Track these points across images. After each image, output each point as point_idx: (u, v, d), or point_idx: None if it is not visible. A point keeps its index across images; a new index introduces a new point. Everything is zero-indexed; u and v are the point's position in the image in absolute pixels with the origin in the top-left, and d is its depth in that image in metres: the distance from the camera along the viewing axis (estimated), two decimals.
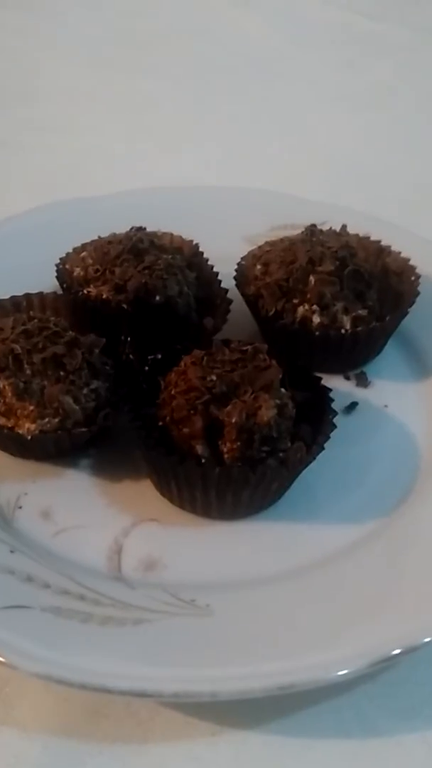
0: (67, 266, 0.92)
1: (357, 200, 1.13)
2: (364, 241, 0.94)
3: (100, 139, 1.41)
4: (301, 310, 0.87)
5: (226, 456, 0.72)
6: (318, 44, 1.74)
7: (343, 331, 0.87)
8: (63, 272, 0.91)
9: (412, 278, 0.92)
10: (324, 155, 1.39)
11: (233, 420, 0.71)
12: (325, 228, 0.94)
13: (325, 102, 1.56)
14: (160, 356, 0.80)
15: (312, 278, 0.86)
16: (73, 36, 1.73)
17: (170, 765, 0.62)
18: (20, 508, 0.76)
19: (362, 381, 0.90)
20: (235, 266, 0.93)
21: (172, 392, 0.75)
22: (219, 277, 0.93)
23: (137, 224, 0.94)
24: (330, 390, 0.79)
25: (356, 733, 0.64)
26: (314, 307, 0.86)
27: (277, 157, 1.38)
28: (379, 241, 0.95)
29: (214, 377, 0.73)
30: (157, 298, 0.86)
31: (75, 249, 0.94)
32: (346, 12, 1.85)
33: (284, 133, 1.46)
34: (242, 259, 0.94)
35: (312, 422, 0.76)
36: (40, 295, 0.90)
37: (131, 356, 0.84)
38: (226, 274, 0.93)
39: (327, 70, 1.66)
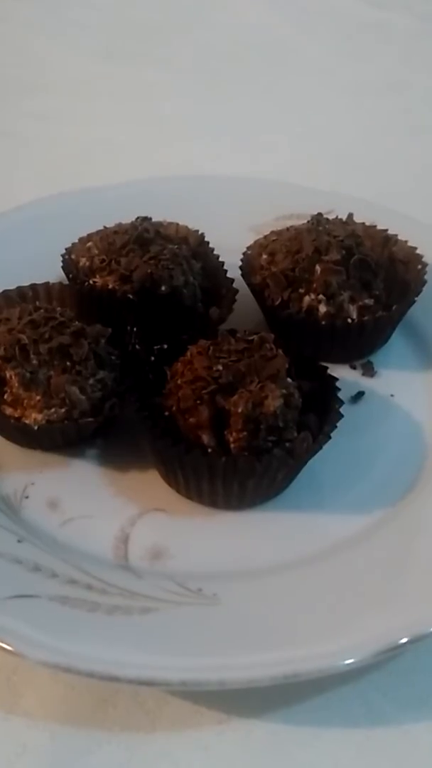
0: (72, 256, 0.92)
1: (363, 189, 1.13)
2: (370, 230, 0.94)
3: (105, 129, 1.41)
4: (307, 299, 0.87)
5: (232, 446, 0.72)
6: (323, 33, 1.74)
7: (349, 320, 0.87)
8: (69, 262, 0.91)
9: (419, 267, 0.92)
10: (329, 144, 1.38)
11: (239, 410, 0.71)
12: (331, 217, 0.94)
13: (330, 90, 1.55)
14: (166, 346, 0.80)
15: (318, 267, 0.86)
16: (76, 26, 1.72)
17: (178, 753, 0.63)
18: (27, 497, 0.76)
19: (368, 370, 0.90)
20: (241, 256, 0.93)
21: (179, 382, 0.75)
22: (225, 267, 0.93)
23: (142, 214, 0.93)
24: (336, 380, 0.79)
25: (363, 722, 0.64)
26: (320, 296, 0.86)
27: (282, 146, 1.38)
28: (385, 230, 0.95)
29: (220, 367, 0.73)
30: (163, 288, 0.86)
31: (81, 239, 0.94)
32: (350, 0, 1.84)
33: (289, 121, 1.46)
34: (248, 248, 0.94)
35: (318, 412, 0.76)
36: (46, 285, 0.90)
37: (137, 346, 0.84)
38: (232, 263, 0.93)
39: (332, 59, 1.65)
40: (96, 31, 1.72)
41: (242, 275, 0.91)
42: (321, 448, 0.74)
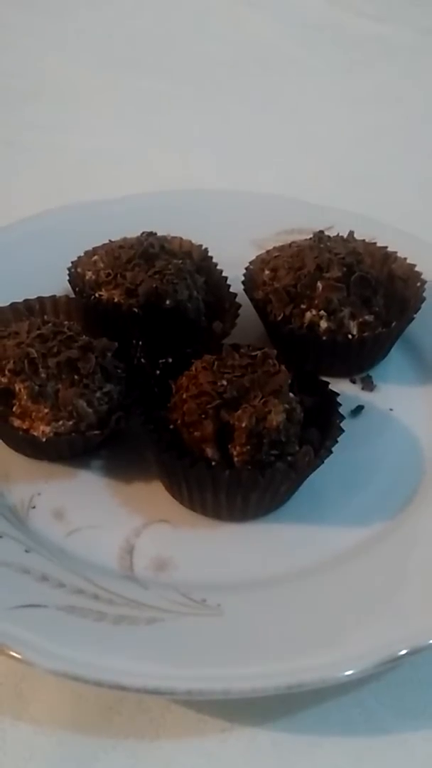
0: (79, 270, 0.93)
1: (362, 203, 1.14)
2: (370, 247, 0.96)
3: (105, 140, 1.42)
4: (308, 315, 0.88)
5: (235, 459, 0.74)
6: (323, 46, 1.76)
7: (349, 336, 0.88)
8: (75, 276, 0.93)
9: (418, 284, 0.94)
10: (329, 157, 1.40)
11: (243, 424, 0.73)
12: (331, 232, 0.95)
13: (331, 104, 1.57)
14: (171, 360, 0.82)
15: (320, 284, 0.88)
16: (79, 36, 1.74)
17: (181, 760, 0.64)
18: (34, 508, 0.78)
19: (368, 385, 0.92)
20: (243, 270, 0.95)
21: (184, 396, 0.76)
22: (227, 282, 0.95)
23: (147, 228, 0.95)
24: (337, 395, 0.80)
25: (362, 731, 0.66)
26: (322, 312, 0.88)
27: (282, 158, 1.39)
28: (385, 247, 0.96)
29: (224, 382, 0.75)
30: (168, 302, 0.87)
31: (86, 253, 0.95)
32: (350, 14, 1.86)
33: (289, 134, 1.47)
34: (250, 263, 0.95)
35: (320, 426, 0.78)
36: (53, 298, 0.91)
37: (143, 360, 0.85)
38: (234, 278, 0.94)
39: (332, 73, 1.67)
40: (98, 42, 1.73)
41: (245, 290, 0.93)
42: (322, 462, 0.76)
